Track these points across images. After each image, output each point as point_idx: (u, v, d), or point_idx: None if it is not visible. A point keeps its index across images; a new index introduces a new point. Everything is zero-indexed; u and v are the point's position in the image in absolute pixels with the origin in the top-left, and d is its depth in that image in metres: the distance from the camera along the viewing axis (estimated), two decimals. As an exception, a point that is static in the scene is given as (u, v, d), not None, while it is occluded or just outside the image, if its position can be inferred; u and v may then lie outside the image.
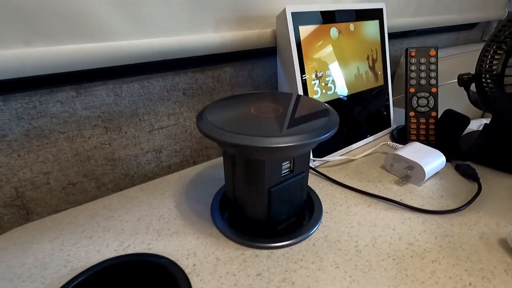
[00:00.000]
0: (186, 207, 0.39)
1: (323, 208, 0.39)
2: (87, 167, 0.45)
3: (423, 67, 0.56)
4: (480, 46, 0.45)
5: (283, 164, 0.31)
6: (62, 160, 0.42)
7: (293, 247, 0.33)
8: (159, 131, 0.50)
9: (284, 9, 0.42)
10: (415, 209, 0.38)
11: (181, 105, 0.51)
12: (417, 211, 0.38)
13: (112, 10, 0.35)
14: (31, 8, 0.31)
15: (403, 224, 0.36)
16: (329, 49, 0.47)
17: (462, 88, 0.49)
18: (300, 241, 0.33)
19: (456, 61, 0.89)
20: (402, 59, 0.83)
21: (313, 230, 0.35)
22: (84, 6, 0.34)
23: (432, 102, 0.55)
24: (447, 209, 0.37)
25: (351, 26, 0.50)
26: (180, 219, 0.37)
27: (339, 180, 0.44)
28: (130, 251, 0.32)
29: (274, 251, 0.32)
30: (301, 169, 0.33)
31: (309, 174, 0.45)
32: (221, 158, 0.49)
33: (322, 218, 0.37)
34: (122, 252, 0.32)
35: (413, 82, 0.56)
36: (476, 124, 0.99)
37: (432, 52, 0.57)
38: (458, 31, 1.08)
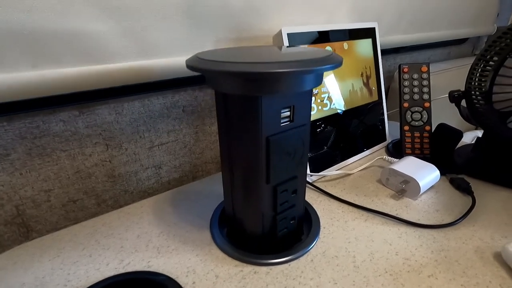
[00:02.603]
0: (186, 224, 0.40)
1: (320, 223, 0.39)
2: (88, 184, 0.45)
3: (416, 83, 0.58)
4: (471, 60, 0.46)
5: (282, 111, 0.28)
6: (63, 178, 0.43)
7: (292, 263, 0.33)
8: (159, 148, 0.51)
9: (280, 30, 0.44)
10: (411, 223, 0.38)
11: (181, 121, 0.52)
12: (414, 226, 0.38)
13: (113, 33, 0.37)
14: (38, 33, 0.32)
15: (400, 239, 0.36)
16: (324, 67, 0.49)
17: None
18: (299, 257, 0.34)
19: (448, 75, 0.92)
20: (396, 74, 0.85)
21: (311, 246, 0.35)
22: (87, 31, 0.35)
23: (425, 116, 0.56)
24: (443, 223, 0.38)
25: (345, 44, 0.52)
26: (179, 236, 0.37)
27: (336, 195, 0.44)
28: (130, 269, 0.33)
29: (273, 267, 0.33)
30: (302, 121, 0.30)
31: (307, 188, 0.46)
32: (219, 173, 0.50)
33: (320, 233, 0.37)
34: (122, 270, 0.32)
35: (406, 97, 0.57)
36: (470, 136, 1.01)
37: (424, 68, 0.59)
38: (449, 46, 1.11)
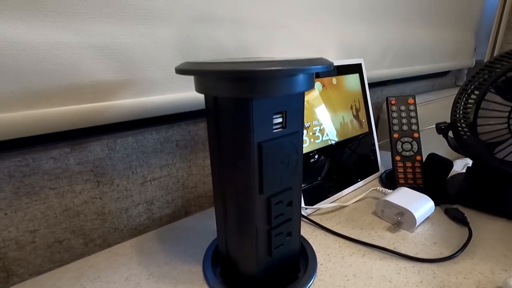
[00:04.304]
0: (177, 264, 0.38)
1: (317, 259, 0.38)
2: (76, 222, 0.44)
3: (403, 114, 0.60)
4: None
5: (274, 116, 0.27)
6: (50, 217, 0.41)
7: (289, 305, 0.31)
8: (151, 183, 0.50)
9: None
10: (410, 258, 0.37)
11: (174, 156, 0.52)
12: (412, 260, 0.37)
13: (107, 72, 0.38)
14: (31, 72, 0.33)
15: (399, 275, 0.35)
16: (314, 101, 0.51)
17: None
18: (296, 298, 0.32)
19: (434, 106, 0.95)
20: (385, 105, 0.88)
21: (308, 285, 0.34)
22: (81, 71, 0.36)
23: (415, 146, 0.58)
24: (441, 257, 0.37)
25: (334, 80, 0.54)
26: (170, 278, 0.36)
27: (332, 229, 0.43)
28: (116, 316, 0.30)
29: (269, 310, 0.31)
30: (295, 127, 0.29)
31: (302, 223, 0.45)
32: (213, 208, 0.49)
33: (317, 271, 0.36)
34: (107, 319, 0.30)
35: (396, 128, 0.59)
36: (460, 164, 1.03)
37: (411, 100, 0.62)
38: (433, 78, 1.17)
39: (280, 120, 0.28)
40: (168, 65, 0.42)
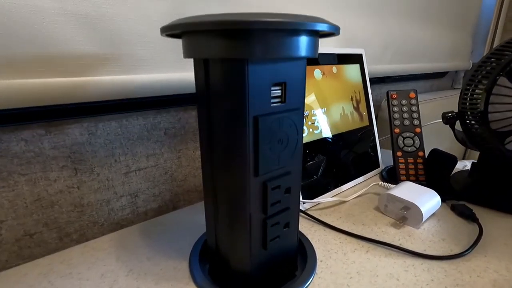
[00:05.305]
0: (161, 259, 0.34)
1: (316, 256, 0.34)
2: (49, 214, 0.39)
3: (405, 109, 0.57)
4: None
5: (272, 88, 0.24)
6: (20, 207, 0.37)
7: (285, 305, 0.28)
8: (136, 173, 0.46)
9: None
10: (418, 254, 0.34)
11: (162, 145, 0.48)
12: (420, 257, 0.34)
13: (87, 44, 0.34)
14: (3, 36, 0.29)
15: (407, 273, 0.32)
16: (314, 89, 0.48)
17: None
18: (293, 297, 0.29)
19: (433, 105, 0.94)
20: (383, 103, 0.86)
21: (307, 284, 0.30)
22: (57, 40, 0.32)
23: (418, 142, 0.55)
24: (452, 254, 0.34)
25: (334, 68, 0.51)
26: (152, 274, 0.32)
27: (332, 224, 0.40)
28: (86, 318, 0.26)
29: (263, 311, 0.27)
30: (295, 104, 0.26)
31: (300, 218, 0.41)
32: (203, 203, 0.45)
33: (317, 268, 0.33)
34: (75, 320, 0.26)
35: (397, 122, 0.56)
36: (459, 165, 1.01)
37: (412, 95, 0.59)
38: (431, 79, 1.16)
39: (279, 93, 0.25)
40: (156, 41, 0.39)
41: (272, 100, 0.25)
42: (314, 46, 0.24)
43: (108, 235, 0.39)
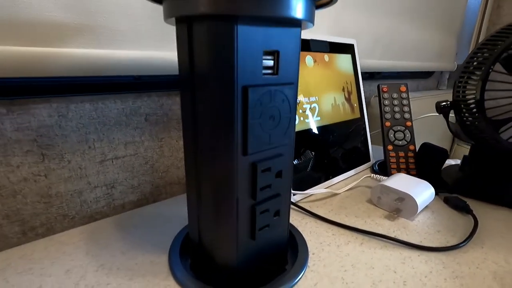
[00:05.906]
0: (137, 253, 0.31)
1: (308, 248, 0.32)
2: (11, 205, 0.35)
3: (396, 102, 0.56)
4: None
5: (263, 57, 0.22)
6: (-25, 195, 0.33)
7: (275, 301, 0.25)
8: (113, 162, 0.42)
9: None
10: (414, 246, 0.32)
11: (143, 132, 0.44)
12: (417, 249, 0.32)
13: (56, 10, 0.31)
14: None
15: (404, 265, 0.30)
16: (305, 76, 0.46)
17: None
18: (284, 292, 0.26)
19: (421, 102, 0.94)
20: (373, 99, 0.85)
21: (299, 277, 0.28)
22: (27, 2, 0.29)
23: (408, 135, 0.54)
24: (449, 245, 0.32)
25: (326, 57, 0.49)
26: (126, 270, 0.28)
27: (324, 216, 0.38)
28: (44, 319, 0.23)
29: (250, 308, 0.24)
30: (288, 78, 0.24)
31: (291, 210, 0.39)
32: (185, 195, 0.42)
33: (309, 261, 0.30)
34: (31, 322, 0.22)
35: (388, 116, 0.55)
36: (448, 161, 1.02)
37: (403, 88, 0.59)
38: (418, 79, 1.17)
39: (271, 63, 0.22)
40: (137, 14, 0.35)
41: (264, 71, 0.22)
42: (310, 10, 0.22)
43: (79, 227, 0.35)
